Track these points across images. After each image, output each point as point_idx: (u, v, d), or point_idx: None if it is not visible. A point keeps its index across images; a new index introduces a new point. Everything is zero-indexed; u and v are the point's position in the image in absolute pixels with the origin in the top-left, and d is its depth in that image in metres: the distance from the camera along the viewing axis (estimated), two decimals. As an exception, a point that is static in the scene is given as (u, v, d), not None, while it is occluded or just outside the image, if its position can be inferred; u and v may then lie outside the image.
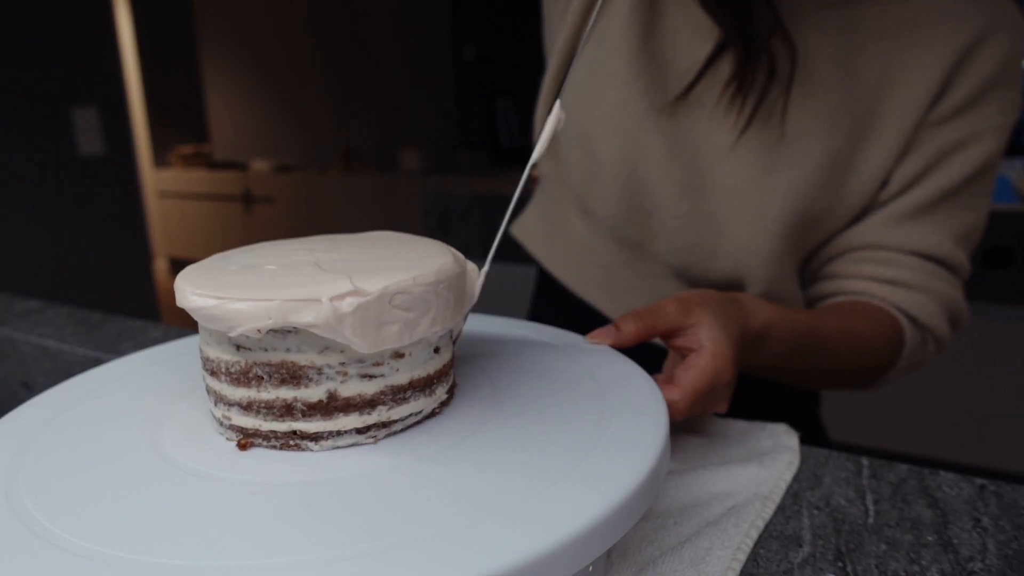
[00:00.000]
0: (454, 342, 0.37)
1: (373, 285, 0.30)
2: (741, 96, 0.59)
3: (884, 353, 0.58)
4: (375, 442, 0.33)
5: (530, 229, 0.81)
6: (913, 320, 0.59)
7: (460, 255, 0.36)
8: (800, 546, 0.38)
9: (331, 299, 0.29)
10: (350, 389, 0.32)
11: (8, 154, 1.81)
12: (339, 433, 0.32)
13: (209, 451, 0.32)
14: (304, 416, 0.32)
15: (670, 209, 0.64)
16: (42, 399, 0.39)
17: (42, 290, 1.87)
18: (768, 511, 0.40)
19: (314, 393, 0.32)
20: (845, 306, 0.59)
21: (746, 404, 0.56)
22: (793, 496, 0.42)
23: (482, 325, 0.48)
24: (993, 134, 0.58)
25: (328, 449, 0.32)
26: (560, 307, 0.76)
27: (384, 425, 0.33)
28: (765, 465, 0.44)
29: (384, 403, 0.32)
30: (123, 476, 0.31)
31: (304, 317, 0.29)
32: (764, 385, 0.64)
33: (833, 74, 0.59)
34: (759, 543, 0.38)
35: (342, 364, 0.31)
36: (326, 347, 0.31)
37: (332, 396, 0.32)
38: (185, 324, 0.63)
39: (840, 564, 0.36)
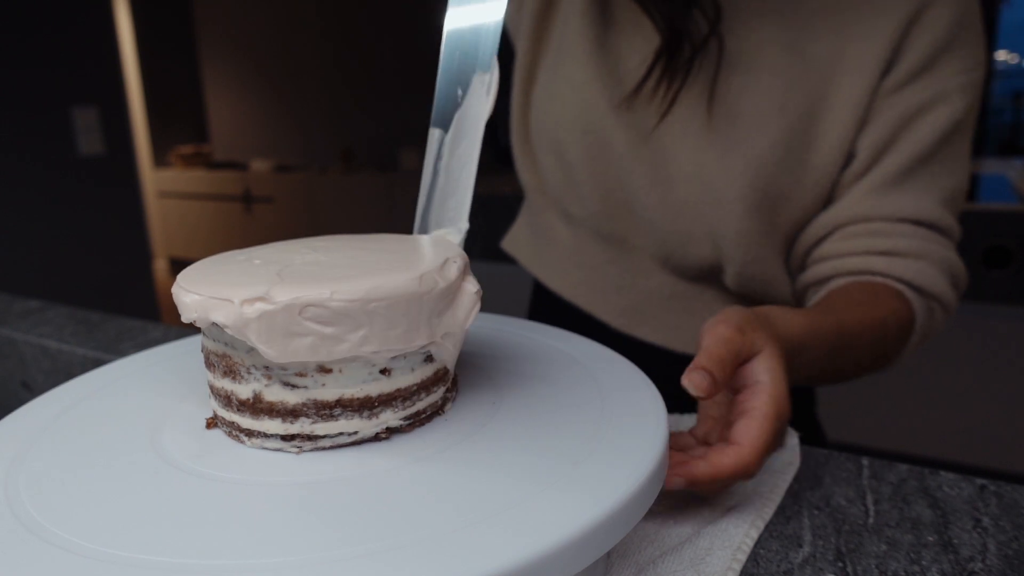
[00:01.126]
0: (448, 369, 0.35)
1: (285, 294, 0.29)
2: (665, 85, 0.61)
3: (898, 332, 0.57)
4: (299, 452, 0.32)
5: (519, 241, 0.82)
6: (918, 290, 0.58)
7: (450, 274, 0.33)
8: (800, 546, 0.38)
9: (241, 302, 0.29)
10: (273, 394, 0.32)
11: (8, 154, 1.81)
12: (265, 435, 0.32)
13: (210, 451, 0.32)
14: (238, 410, 0.33)
15: (643, 201, 0.65)
16: (43, 400, 0.39)
17: (42, 290, 1.87)
18: (768, 511, 0.40)
19: (244, 390, 0.32)
20: (854, 292, 0.58)
21: None
22: (793, 496, 0.42)
23: (483, 325, 0.48)
24: (958, 93, 0.58)
25: (257, 448, 0.33)
26: (554, 315, 0.77)
27: (308, 438, 0.32)
28: (765, 465, 0.44)
29: (307, 415, 0.32)
30: (124, 476, 0.31)
31: (217, 316, 0.29)
32: None
33: (781, 55, 0.60)
34: (759, 543, 0.38)
35: (266, 368, 0.31)
36: (252, 348, 0.31)
37: (257, 397, 0.32)
38: (185, 324, 0.63)
39: (840, 564, 0.36)
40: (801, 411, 0.74)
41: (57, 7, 1.84)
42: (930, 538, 0.38)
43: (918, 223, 0.59)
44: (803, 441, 0.49)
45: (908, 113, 0.58)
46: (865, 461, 0.46)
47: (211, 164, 4.60)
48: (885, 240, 0.59)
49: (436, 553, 0.24)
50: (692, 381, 0.37)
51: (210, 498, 0.29)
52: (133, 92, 4.46)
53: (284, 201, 4.12)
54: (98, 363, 0.67)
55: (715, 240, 0.64)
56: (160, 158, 4.66)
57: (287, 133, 4.57)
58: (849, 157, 0.60)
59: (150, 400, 0.38)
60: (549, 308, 0.78)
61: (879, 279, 0.58)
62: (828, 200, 0.62)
